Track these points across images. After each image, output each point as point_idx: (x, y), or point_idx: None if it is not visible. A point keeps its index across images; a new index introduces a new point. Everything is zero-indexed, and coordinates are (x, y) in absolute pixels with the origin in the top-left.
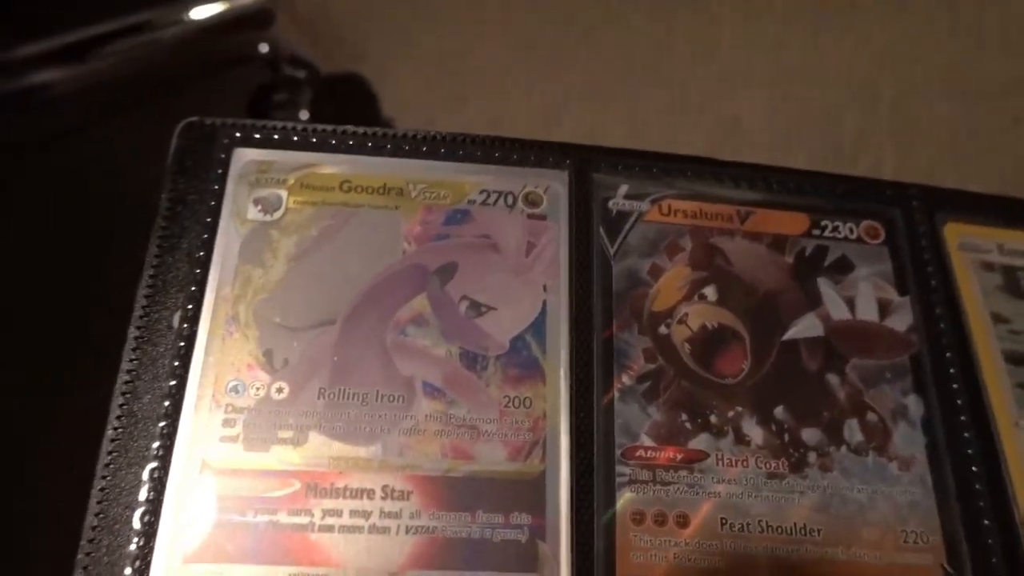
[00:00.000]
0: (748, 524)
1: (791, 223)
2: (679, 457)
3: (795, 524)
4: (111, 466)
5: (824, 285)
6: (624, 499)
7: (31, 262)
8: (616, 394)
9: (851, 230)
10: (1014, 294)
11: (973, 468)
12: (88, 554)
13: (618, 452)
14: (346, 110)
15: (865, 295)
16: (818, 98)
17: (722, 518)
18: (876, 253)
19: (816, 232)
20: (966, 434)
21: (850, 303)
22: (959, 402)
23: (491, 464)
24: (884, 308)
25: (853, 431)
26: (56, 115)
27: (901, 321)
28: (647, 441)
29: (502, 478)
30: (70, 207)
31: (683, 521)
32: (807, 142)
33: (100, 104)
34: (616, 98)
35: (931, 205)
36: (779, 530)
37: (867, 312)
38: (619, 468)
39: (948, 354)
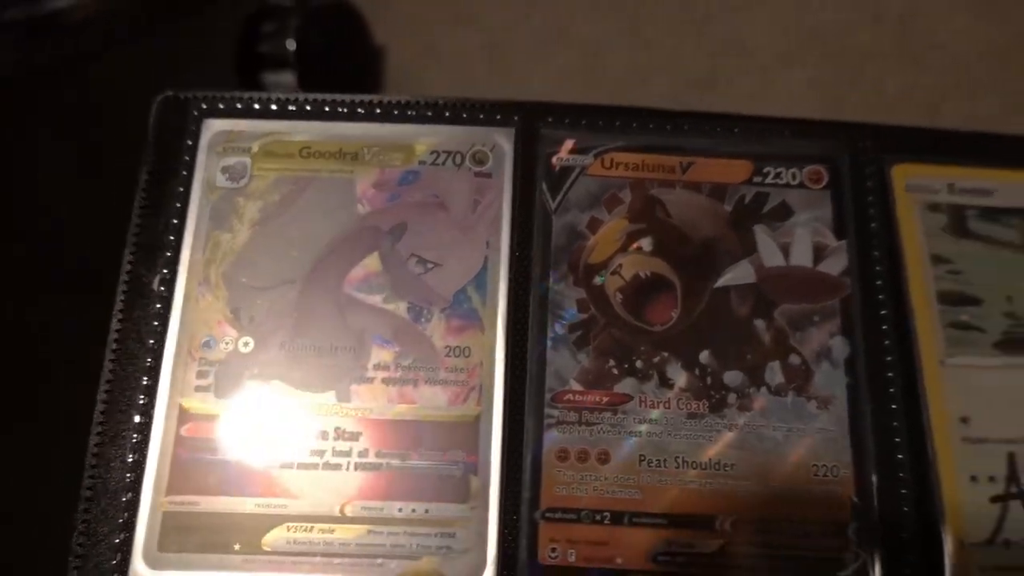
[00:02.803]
0: (665, 460)
1: (733, 171)
2: (604, 400)
3: (710, 459)
4: (105, 413)
5: (760, 232)
6: (549, 438)
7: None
8: (549, 343)
9: (794, 176)
10: (959, 234)
11: (893, 406)
12: (90, 488)
13: (548, 396)
14: (336, 38)
15: (801, 241)
16: (823, 15)
17: (641, 455)
18: (818, 198)
19: (758, 179)
20: (890, 373)
21: (785, 249)
22: (886, 342)
23: (432, 408)
24: (819, 253)
25: (775, 373)
26: (73, 40)
27: (835, 265)
28: (575, 386)
29: (442, 420)
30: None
31: (604, 458)
32: (810, 61)
33: (109, 32)
34: (619, 16)
35: (881, 146)
36: (694, 465)
37: (801, 258)
38: (548, 411)
39: (881, 296)
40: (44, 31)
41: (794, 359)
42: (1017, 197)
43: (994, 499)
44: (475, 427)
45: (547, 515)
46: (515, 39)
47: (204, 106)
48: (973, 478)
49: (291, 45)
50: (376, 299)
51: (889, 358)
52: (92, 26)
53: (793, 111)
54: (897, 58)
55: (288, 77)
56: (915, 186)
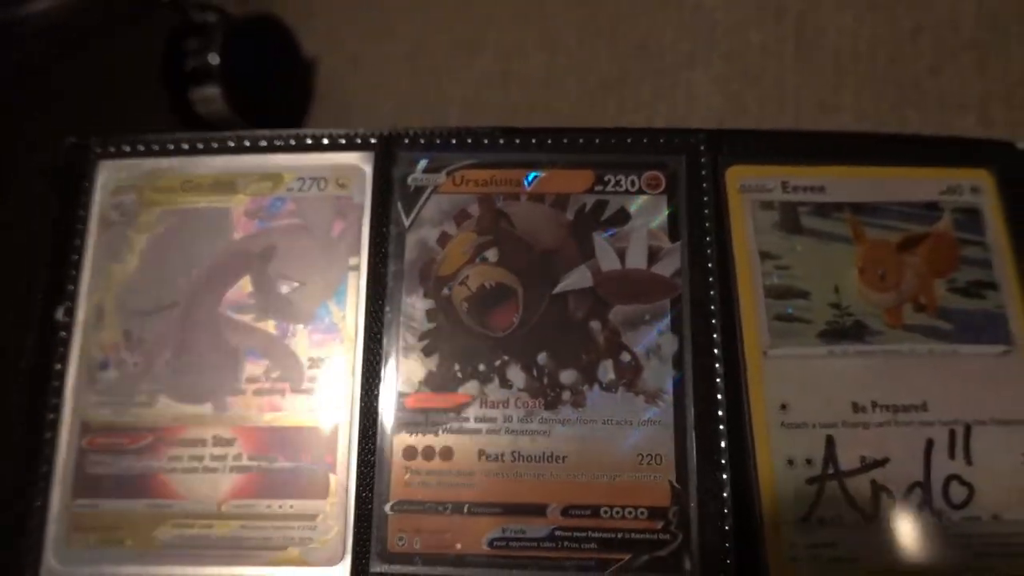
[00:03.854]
0: (502, 455)
1: (575, 181)
2: (448, 403)
3: (543, 453)
4: (24, 431)
5: (598, 238)
6: (399, 438)
7: None
8: (401, 351)
9: (633, 182)
10: (789, 230)
11: (718, 396)
12: (4, 487)
13: (399, 400)
14: (261, 52)
15: (637, 244)
16: (724, 15)
17: (480, 450)
18: (655, 203)
19: (599, 187)
20: (716, 365)
21: (621, 253)
22: (714, 336)
23: (297, 415)
24: (653, 255)
25: (607, 370)
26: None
27: (668, 266)
28: (423, 390)
29: (305, 425)
30: None
31: (447, 454)
32: (713, 61)
33: (42, 49)
34: (532, 24)
35: (716, 150)
36: (529, 458)
37: (636, 261)
38: (397, 414)
39: (711, 292)
40: None
41: (625, 356)
42: (847, 192)
43: (810, 480)
44: (335, 431)
45: (395, 508)
46: (434, 48)
47: (98, 149)
48: (790, 461)
49: (214, 59)
50: (248, 318)
51: (715, 351)
52: (27, 43)
53: (697, 110)
54: (794, 55)
55: (213, 91)
56: (749, 186)
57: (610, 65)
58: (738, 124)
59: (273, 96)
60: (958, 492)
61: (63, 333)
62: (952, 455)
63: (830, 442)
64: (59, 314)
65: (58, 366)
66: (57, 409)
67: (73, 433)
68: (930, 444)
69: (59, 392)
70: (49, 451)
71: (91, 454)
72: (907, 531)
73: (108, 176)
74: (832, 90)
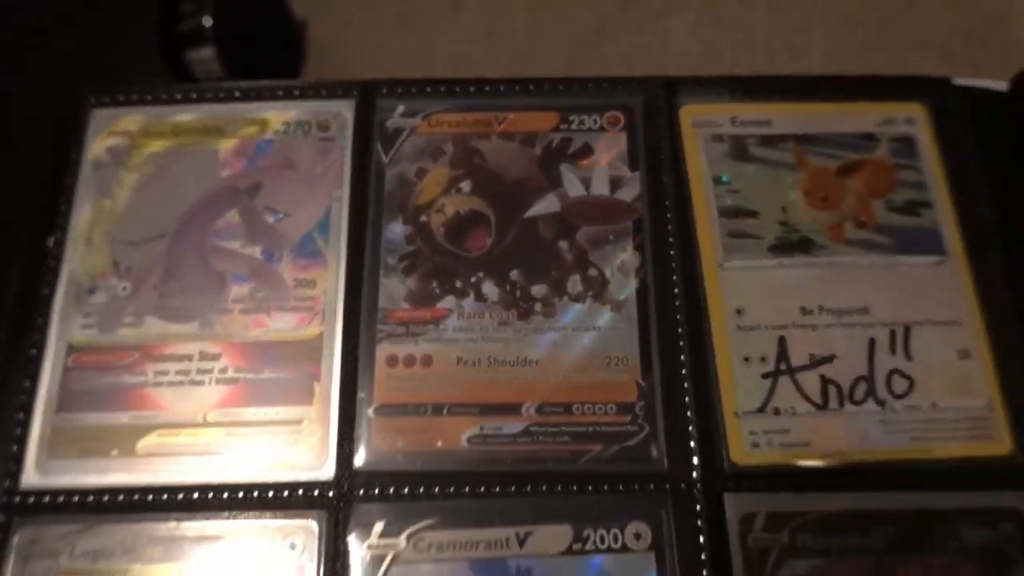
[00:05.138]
0: (479, 360)
1: (542, 121)
2: (428, 315)
3: (517, 357)
4: (8, 348)
5: (565, 170)
6: (381, 348)
7: None
8: (381, 272)
9: (595, 121)
10: (739, 158)
11: (676, 303)
12: None
13: (381, 315)
14: (253, 14)
15: (600, 174)
16: None
17: (458, 357)
18: (615, 139)
19: (564, 127)
20: (674, 277)
21: (586, 182)
22: (671, 252)
23: (282, 331)
24: (615, 183)
25: (576, 284)
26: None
27: (629, 193)
28: (404, 305)
29: (290, 340)
30: None
31: (427, 362)
32: (690, 9)
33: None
34: None
35: (671, 93)
36: (503, 362)
37: (600, 188)
38: (379, 327)
39: (668, 214)
40: None
41: (592, 272)
42: (791, 125)
43: (765, 375)
44: (318, 343)
45: (378, 411)
46: (423, 7)
47: (93, 99)
48: (746, 359)
49: (207, 22)
50: (235, 245)
51: (673, 264)
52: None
53: (673, 59)
54: (766, 1)
55: (208, 53)
56: (700, 122)
57: (591, 18)
58: (712, 71)
59: (266, 57)
60: (900, 384)
61: (52, 261)
62: (893, 352)
63: (782, 342)
64: (50, 242)
65: (46, 291)
66: (43, 329)
67: (59, 353)
68: (872, 343)
69: (46, 314)
70: (33, 369)
71: (76, 372)
72: (853, 418)
73: (101, 123)
74: (801, 33)
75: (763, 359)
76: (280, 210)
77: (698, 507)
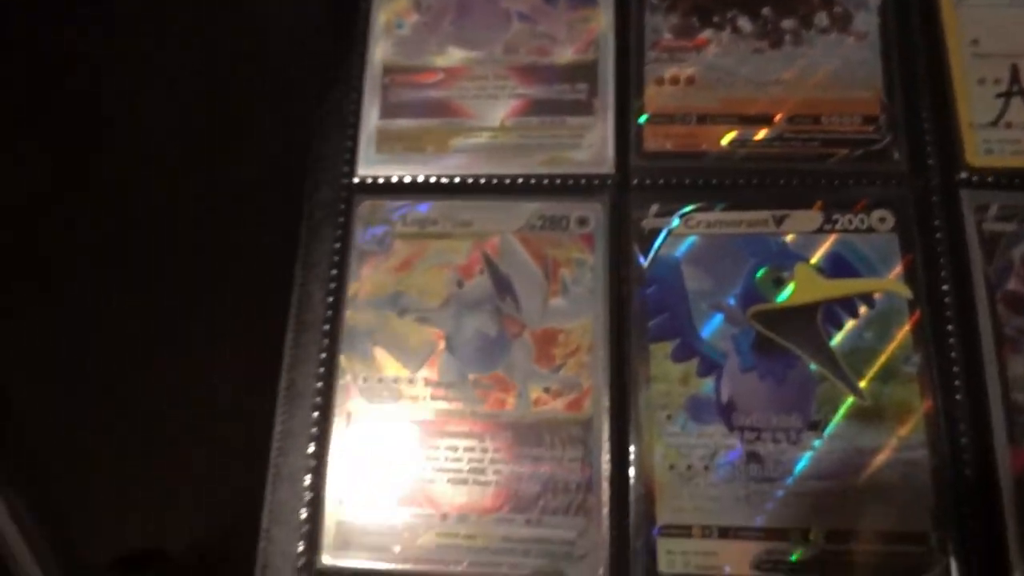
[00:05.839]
0: (735, 81)
1: None
2: (689, 44)
3: (769, 78)
4: (333, 78)
5: None
6: (648, 70)
7: None
8: (647, 11)
9: None
10: None
11: (913, 38)
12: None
13: (648, 43)
14: None
15: None
16: None
17: (718, 78)
18: None
19: None
20: (914, 12)
21: None
22: None
23: (562, 57)
24: None
25: (822, 19)
26: None
27: None
28: (667, 36)
29: (568, 63)
30: None
31: (690, 81)
32: None
33: None
34: None
35: None
36: (757, 82)
37: None
38: (648, 52)
39: None
40: None
41: (837, 9)
42: None
43: (998, 95)
44: (594, 67)
45: (651, 120)
46: None
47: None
48: (980, 80)
49: None
50: None
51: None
52: None
53: None
54: None
55: None
56: None
57: None
58: None
59: None
60: None
61: (365, 3)
62: None
63: (1014, 69)
64: None
65: (362, 25)
66: (363, 55)
67: (376, 74)
68: None
69: (364, 43)
70: (356, 94)
71: (392, 88)
72: None
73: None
74: None
75: (996, 81)
76: None
77: (934, 198)
